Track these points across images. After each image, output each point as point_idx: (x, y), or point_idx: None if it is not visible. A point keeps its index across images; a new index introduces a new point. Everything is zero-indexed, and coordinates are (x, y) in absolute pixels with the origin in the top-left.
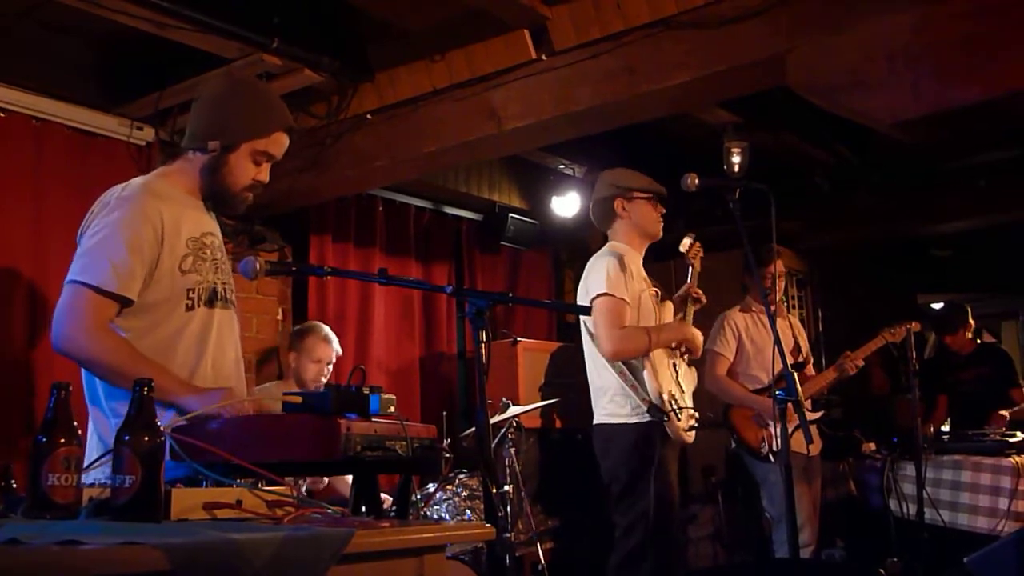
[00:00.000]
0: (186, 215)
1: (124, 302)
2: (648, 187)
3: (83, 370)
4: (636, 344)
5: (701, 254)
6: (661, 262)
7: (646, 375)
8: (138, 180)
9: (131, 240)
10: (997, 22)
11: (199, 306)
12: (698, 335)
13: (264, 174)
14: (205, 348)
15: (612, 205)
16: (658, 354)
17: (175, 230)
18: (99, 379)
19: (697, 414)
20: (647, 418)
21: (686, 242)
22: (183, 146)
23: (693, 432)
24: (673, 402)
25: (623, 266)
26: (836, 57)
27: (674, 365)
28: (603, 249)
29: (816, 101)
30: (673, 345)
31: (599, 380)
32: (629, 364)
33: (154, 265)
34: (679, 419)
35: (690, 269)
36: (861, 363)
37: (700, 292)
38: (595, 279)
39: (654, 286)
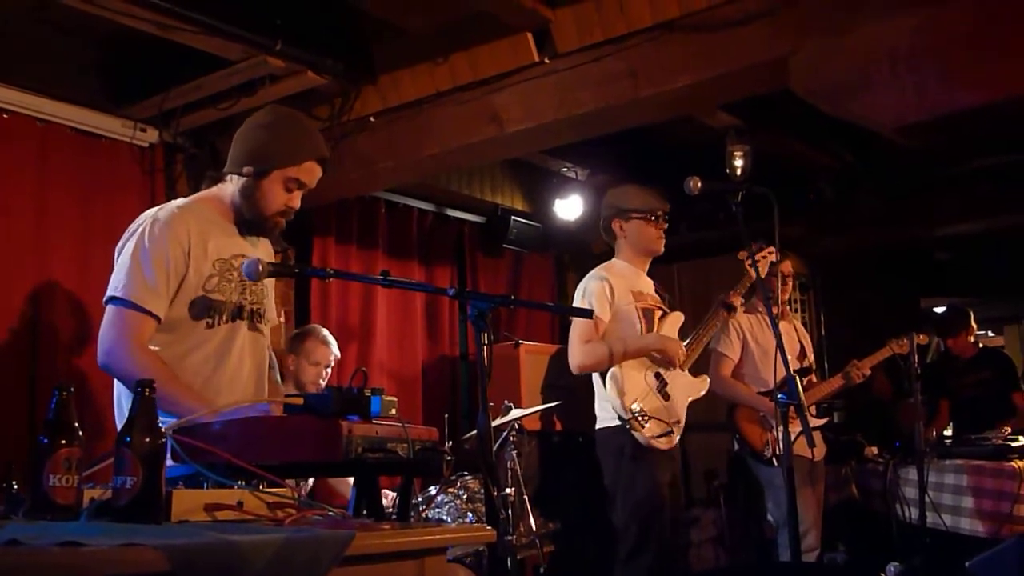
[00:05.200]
0: (216, 237)
1: (155, 318)
2: (644, 206)
3: (114, 385)
4: (596, 358)
5: (772, 258)
6: (665, 265)
7: (608, 386)
8: (173, 203)
9: (158, 260)
10: (999, 26)
11: (220, 324)
12: (671, 345)
13: (295, 201)
14: (223, 363)
15: (610, 225)
16: (629, 365)
17: (202, 250)
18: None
19: (680, 421)
20: (623, 423)
21: (743, 253)
22: (223, 172)
23: (667, 438)
24: (637, 410)
25: (599, 287)
26: (839, 60)
27: (657, 375)
28: (593, 270)
29: (819, 104)
30: (656, 355)
31: (594, 388)
32: (601, 375)
33: (180, 283)
34: (643, 427)
35: (746, 275)
36: (868, 372)
37: (738, 299)
38: (575, 298)
39: (661, 297)
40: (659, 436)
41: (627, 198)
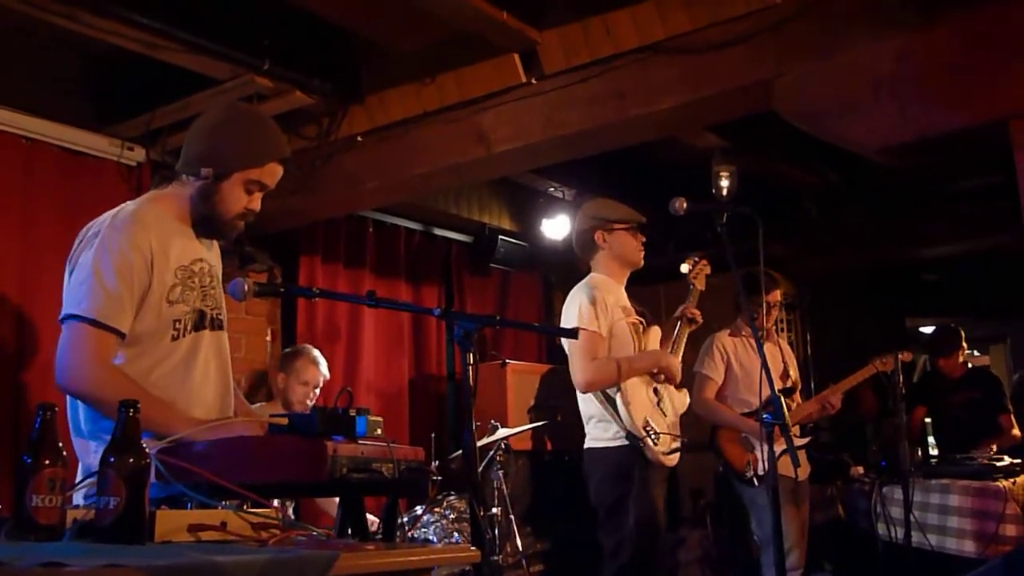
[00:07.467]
0: (176, 243)
1: (120, 335)
2: (627, 217)
3: (67, 402)
4: (606, 375)
5: (707, 272)
6: (650, 285)
7: (619, 403)
8: (128, 207)
9: (122, 271)
10: (982, 50)
11: (185, 335)
12: (674, 362)
13: (256, 203)
14: (189, 374)
15: (592, 237)
16: (633, 382)
17: (164, 259)
18: (103, 416)
19: (682, 437)
20: (627, 442)
21: (685, 266)
22: (177, 169)
23: (676, 455)
24: (649, 427)
25: (596, 300)
26: (823, 83)
27: (655, 390)
28: (581, 283)
29: (803, 127)
30: (655, 372)
31: (584, 406)
32: (605, 393)
33: (144, 296)
34: (655, 444)
35: (691, 289)
36: (838, 405)
37: (697, 313)
38: (570, 314)
39: (639, 313)
40: (669, 452)
41: (609, 209)
